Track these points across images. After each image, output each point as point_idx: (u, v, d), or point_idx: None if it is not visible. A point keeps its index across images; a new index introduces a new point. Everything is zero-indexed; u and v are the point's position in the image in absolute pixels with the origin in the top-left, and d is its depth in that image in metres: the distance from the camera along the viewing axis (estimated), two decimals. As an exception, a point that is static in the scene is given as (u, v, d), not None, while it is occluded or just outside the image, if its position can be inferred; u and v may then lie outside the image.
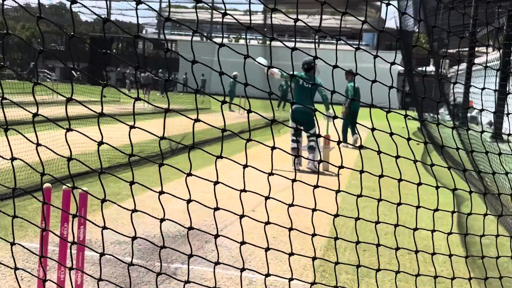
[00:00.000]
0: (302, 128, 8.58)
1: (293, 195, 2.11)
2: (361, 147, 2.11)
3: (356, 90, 12.38)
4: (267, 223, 2.02)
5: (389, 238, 4.68)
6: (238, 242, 2.01)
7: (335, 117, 2.28)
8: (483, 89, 2.45)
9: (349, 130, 13.05)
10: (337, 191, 2.15)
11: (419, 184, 2.30)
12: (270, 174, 1.99)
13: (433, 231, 2.50)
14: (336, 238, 2.22)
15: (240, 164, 1.98)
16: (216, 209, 1.94)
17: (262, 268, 3.96)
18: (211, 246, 4.34)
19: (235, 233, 4.59)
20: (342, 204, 6.09)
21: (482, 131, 2.47)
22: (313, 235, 2.14)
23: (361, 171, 2.15)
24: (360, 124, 2.24)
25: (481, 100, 2.51)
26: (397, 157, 2.20)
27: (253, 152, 9.11)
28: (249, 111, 1.89)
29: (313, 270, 4.02)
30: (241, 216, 1.96)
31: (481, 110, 2.53)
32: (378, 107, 2.10)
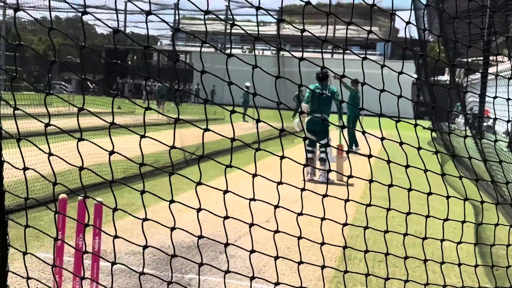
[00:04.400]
0: (315, 138, 8.56)
1: (302, 204, 2.10)
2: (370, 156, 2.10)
3: (357, 97, 12.38)
4: (276, 231, 2.01)
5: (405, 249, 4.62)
6: (257, 251, 2.01)
7: (349, 127, 2.26)
8: (495, 97, 2.43)
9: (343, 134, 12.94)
10: (346, 201, 2.13)
11: (429, 194, 2.27)
12: (279, 183, 1.98)
13: (442, 240, 2.47)
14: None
15: (249, 173, 1.97)
16: (226, 217, 1.94)
17: (276, 279, 3.94)
18: (225, 256, 4.33)
19: (249, 243, 4.57)
20: (357, 214, 6.04)
21: (496, 140, 2.45)
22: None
23: (371, 181, 2.13)
24: (371, 134, 2.22)
25: (495, 107, 2.48)
26: (407, 166, 2.18)
27: (267, 163, 9.10)
28: (257, 121, 1.89)
29: (328, 281, 3.99)
30: (251, 225, 1.96)
31: (495, 119, 2.51)
32: (388, 116, 2.09)
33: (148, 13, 1.70)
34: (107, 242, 4.23)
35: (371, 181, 2.07)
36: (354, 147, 13.04)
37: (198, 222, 1.86)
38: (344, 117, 12.67)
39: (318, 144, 8.92)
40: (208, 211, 1.96)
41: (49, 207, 2.01)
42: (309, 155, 8.77)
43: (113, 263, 1.90)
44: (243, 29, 1.92)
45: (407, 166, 2.13)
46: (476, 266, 2.62)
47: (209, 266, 1.96)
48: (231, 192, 1.94)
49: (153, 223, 1.92)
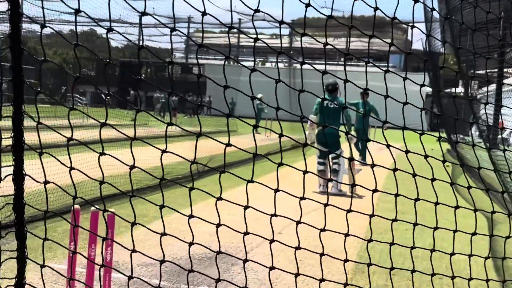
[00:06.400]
0: (327, 150, 8.54)
1: (325, 219, 2.09)
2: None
3: (360, 107, 12.37)
4: (298, 248, 2.01)
5: (419, 262, 4.58)
6: (266, 266, 2.00)
7: (368, 140, 2.24)
8: (501, 106, 2.41)
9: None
10: (371, 215, 2.12)
11: (437, 203, 2.25)
12: (302, 198, 1.99)
13: (451, 254, 2.44)
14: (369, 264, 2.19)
15: (271, 188, 1.98)
16: (246, 233, 1.94)
17: (289, 292, 3.92)
18: (237, 269, 4.32)
19: (262, 255, 4.56)
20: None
21: (504, 149, 2.43)
22: (345, 260, 2.11)
23: (374, 190, 2.12)
24: (390, 145, 2.22)
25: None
26: (414, 175, 2.17)
27: (279, 174, 9.09)
28: (281, 135, 1.90)
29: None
30: (271, 241, 1.95)
31: (502, 128, 2.49)
32: (410, 129, 2.08)
33: (173, 29, 1.73)
34: (119, 253, 4.25)
35: (374, 191, 2.06)
36: (363, 160, 13.06)
37: (217, 236, 1.86)
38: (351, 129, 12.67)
39: (330, 156, 8.87)
40: (225, 225, 1.96)
41: (65, 219, 2.03)
42: (321, 168, 8.72)
43: (130, 277, 1.91)
44: (266, 44, 1.94)
45: (414, 175, 2.12)
46: (488, 280, 2.58)
47: (219, 274, 1.96)
48: (250, 207, 1.94)
49: (165, 234, 1.92)
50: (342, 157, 7.41)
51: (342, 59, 45.88)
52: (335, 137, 8.57)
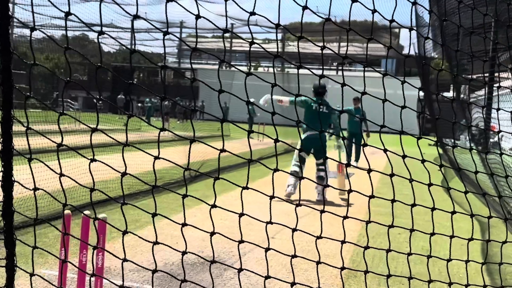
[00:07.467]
0: (309, 156, 8.20)
1: (321, 226, 2.09)
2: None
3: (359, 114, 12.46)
4: (294, 256, 2.00)
5: (412, 266, 4.58)
6: (261, 276, 2.00)
7: (365, 144, 2.21)
8: (498, 109, 2.42)
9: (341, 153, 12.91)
10: (368, 222, 2.12)
11: (434, 209, 2.26)
12: (298, 205, 1.98)
13: (449, 260, 2.44)
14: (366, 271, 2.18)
15: (267, 195, 1.97)
16: (241, 241, 1.93)
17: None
18: (230, 274, 4.30)
19: (254, 260, 4.54)
20: (363, 230, 5.99)
21: (501, 153, 2.44)
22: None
23: (371, 196, 2.12)
24: (377, 147, 2.22)
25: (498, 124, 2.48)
26: (411, 180, 2.17)
27: (271, 178, 9.07)
28: (276, 141, 1.90)
29: (334, 299, 3.95)
30: (266, 249, 1.95)
31: (499, 132, 2.50)
32: (407, 133, 2.08)
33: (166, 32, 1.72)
34: (111, 258, 4.22)
35: (371, 196, 2.06)
36: (355, 163, 13.15)
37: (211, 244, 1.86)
38: (344, 133, 12.67)
39: (316, 162, 8.58)
40: (220, 233, 1.95)
41: (55, 226, 2.01)
42: (296, 169, 8.07)
43: (121, 286, 1.90)
44: (263, 48, 1.94)
45: (411, 180, 2.12)
46: (485, 286, 2.59)
47: (213, 284, 1.95)
48: (246, 214, 1.93)
49: (157, 239, 1.91)
50: (334, 160, 7.34)
51: (334, 64, 46.16)
52: (325, 143, 8.43)
